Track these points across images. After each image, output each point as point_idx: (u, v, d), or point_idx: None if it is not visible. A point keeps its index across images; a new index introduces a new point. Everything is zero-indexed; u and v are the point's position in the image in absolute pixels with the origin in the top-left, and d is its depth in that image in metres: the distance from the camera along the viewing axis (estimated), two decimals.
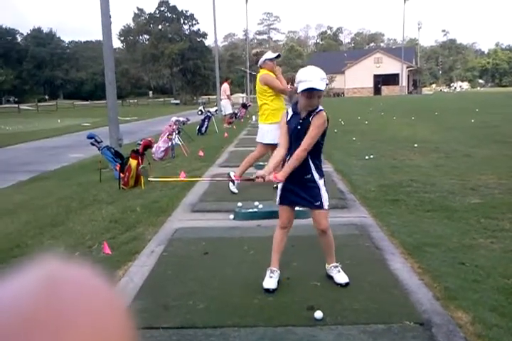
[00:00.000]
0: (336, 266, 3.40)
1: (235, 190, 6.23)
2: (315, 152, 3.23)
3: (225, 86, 17.65)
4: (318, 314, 2.80)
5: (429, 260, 3.79)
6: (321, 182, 3.28)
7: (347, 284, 3.30)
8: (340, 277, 3.35)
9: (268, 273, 3.34)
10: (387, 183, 6.68)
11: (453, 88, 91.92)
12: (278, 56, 6.26)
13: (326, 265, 3.46)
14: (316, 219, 3.32)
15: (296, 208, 3.53)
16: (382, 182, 6.78)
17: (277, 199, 3.40)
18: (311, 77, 3.13)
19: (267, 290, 3.23)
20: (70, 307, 0.29)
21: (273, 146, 5.45)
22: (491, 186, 6.36)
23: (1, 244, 5.38)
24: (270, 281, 3.29)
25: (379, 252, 3.98)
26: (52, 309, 0.29)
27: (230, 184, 6.29)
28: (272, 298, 3.11)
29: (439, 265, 3.68)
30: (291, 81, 9.88)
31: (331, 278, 3.41)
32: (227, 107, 17.68)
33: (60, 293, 0.30)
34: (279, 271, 3.36)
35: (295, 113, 3.28)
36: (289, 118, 3.31)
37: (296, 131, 3.21)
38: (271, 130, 5.89)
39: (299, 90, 3.14)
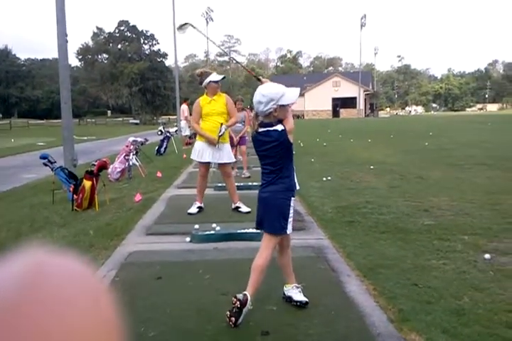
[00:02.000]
0: (298, 287, 3.37)
1: (194, 211, 6.19)
2: None
3: (184, 107, 17.63)
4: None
5: (383, 282, 3.82)
6: None
7: (306, 303, 3.27)
8: (301, 297, 3.32)
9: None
10: (344, 205, 6.76)
11: (408, 111, 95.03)
12: (223, 78, 6.17)
13: (286, 286, 3.42)
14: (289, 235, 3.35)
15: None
16: (339, 203, 6.86)
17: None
18: (283, 86, 3.20)
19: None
20: (55, 296, 0.29)
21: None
22: (443, 208, 6.52)
23: None
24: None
25: (335, 275, 3.98)
26: (37, 297, 0.28)
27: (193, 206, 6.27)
28: (226, 324, 3.04)
29: (394, 287, 3.71)
30: (238, 100, 9.96)
31: (287, 301, 3.38)
32: (185, 128, 17.62)
33: (46, 281, 0.29)
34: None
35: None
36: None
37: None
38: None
39: (289, 102, 3.16)
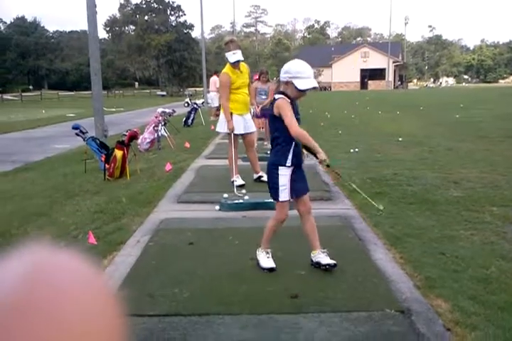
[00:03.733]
0: (323, 251, 3.47)
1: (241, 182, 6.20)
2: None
3: (215, 78, 17.56)
4: None
5: (410, 250, 3.87)
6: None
7: (335, 265, 3.38)
8: (328, 260, 3.42)
9: (264, 254, 3.49)
10: (372, 176, 6.76)
11: (439, 83, 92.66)
12: (237, 61, 5.92)
13: (312, 252, 3.51)
14: (306, 202, 3.46)
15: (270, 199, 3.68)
16: (367, 175, 6.85)
17: (288, 192, 3.41)
18: (310, 73, 3.30)
19: (271, 270, 3.42)
20: (57, 294, 0.28)
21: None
22: (473, 180, 6.46)
23: None
24: (269, 261, 3.47)
25: (362, 243, 4.04)
26: (38, 296, 0.28)
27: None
28: (256, 287, 3.16)
29: (420, 255, 3.76)
30: (263, 73, 10.03)
31: (315, 267, 3.46)
32: (215, 100, 17.61)
33: (47, 280, 0.29)
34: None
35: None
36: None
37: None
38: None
39: (302, 87, 3.25)
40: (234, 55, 5.85)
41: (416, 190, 5.92)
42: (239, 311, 2.81)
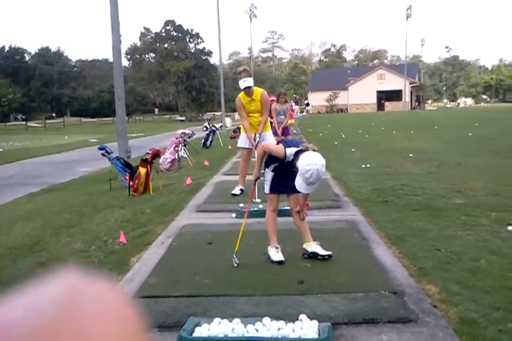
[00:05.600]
0: (319, 243, 3.98)
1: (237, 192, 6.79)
2: None
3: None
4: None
5: (409, 247, 4.25)
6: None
7: (330, 256, 3.87)
8: (325, 251, 3.92)
9: (274, 249, 3.94)
10: (380, 187, 7.16)
11: (457, 104, 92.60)
12: (246, 88, 6.55)
13: (305, 244, 4.00)
14: (295, 201, 4.03)
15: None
16: (375, 186, 7.26)
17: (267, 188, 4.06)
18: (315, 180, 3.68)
19: (280, 262, 3.86)
20: (88, 325, 0.27)
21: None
22: (476, 189, 6.81)
23: (21, 242, 5.87)
24: (278, 255, 3.92)
25: (365, 242, 4.44)
26: (70, 327, 0.27)
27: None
28: (267, 276, 3.58)
29: (418, 251, 4.14)
30: (281, 94, 10.86)
31: (311, 256, 3.96)
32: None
33: (79, 310, 0.28)
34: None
35: None
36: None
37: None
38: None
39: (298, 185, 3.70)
40: (244, 83, 6.55)
41: (420, 199, 6.30)
42: (252, 293, 3.24)
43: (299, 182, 3.59)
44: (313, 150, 3.65)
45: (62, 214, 7.56)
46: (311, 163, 3.50)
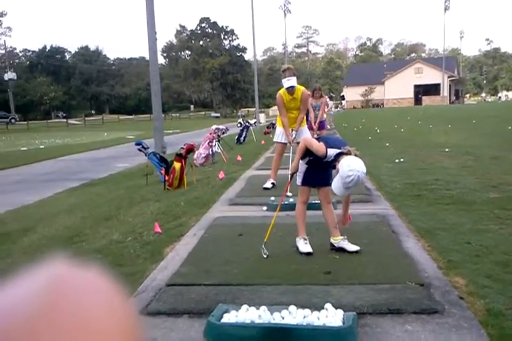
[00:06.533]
0: (346, 238, 4.00)
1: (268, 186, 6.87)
2: None
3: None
4: None
5: (439, 240, 4.25)
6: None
7: (357, 251, 3.90)
8: (353, 247, 3.94)
9: (302, 241, 4.01)
10: (413, 182, 7.11)
11: (498, 97, 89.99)
12: (290, 87, 6.51)
13: (333, 238, 4.04)
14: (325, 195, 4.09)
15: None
16: (408, 181, 7.21)
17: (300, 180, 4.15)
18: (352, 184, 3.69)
19: (308, 254, 3.93)
20: (76, 314, 0.27)
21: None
22: None
23: (63, 234, 6.14)
24: (307, 246, 3.99)
25: (395, 235, 4.46)
26: (57, 317, 0.27)
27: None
28: (295, 266, 3.66)
29: (447, 244, 4.13)
30: (316, 90, 11.04)
31: (337, 251, 4.00)
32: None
33: (67, 299, 0.27)
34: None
35: None
36: None
37: None
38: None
39: (335, 188, 3.71)
40: (287, 82, 6.51)
41: (454, 193, 6.24)
42: (279, 282, 3.32)
43: (337, 185, 3.61)
44: (355, 155, 3.66)
45: (100, 207, 7.84)
46: (353, 168, 3.50)
